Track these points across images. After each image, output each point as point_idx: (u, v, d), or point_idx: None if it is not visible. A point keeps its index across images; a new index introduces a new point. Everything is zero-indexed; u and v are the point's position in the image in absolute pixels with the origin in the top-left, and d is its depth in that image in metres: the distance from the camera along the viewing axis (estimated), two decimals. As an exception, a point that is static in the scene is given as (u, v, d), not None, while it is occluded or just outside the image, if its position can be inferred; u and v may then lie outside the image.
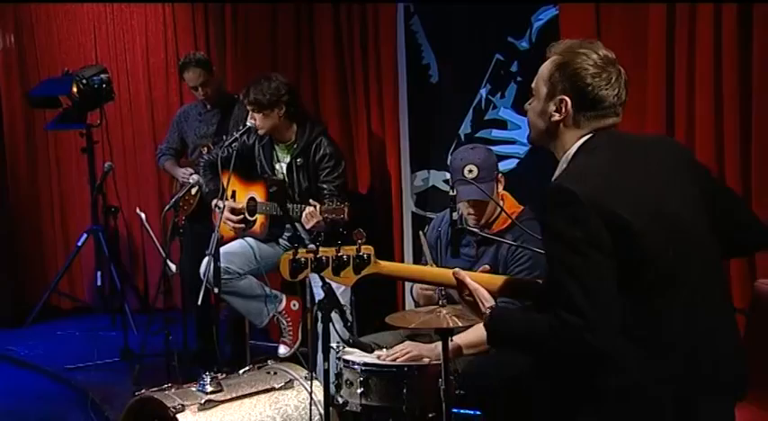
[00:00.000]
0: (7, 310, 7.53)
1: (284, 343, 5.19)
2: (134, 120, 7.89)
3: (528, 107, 2.68)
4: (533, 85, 2.64)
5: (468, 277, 2.70)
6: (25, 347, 6.81)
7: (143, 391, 3.67)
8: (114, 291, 7.45)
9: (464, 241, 4.02)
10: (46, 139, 7.99)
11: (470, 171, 3.79)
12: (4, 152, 7.70)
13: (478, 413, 3.71)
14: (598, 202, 2.30)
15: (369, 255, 2.85)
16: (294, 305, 5.19)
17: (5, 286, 7.58)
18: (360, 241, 2.84)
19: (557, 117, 2.54)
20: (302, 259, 2.80)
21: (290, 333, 5.17)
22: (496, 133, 5.21)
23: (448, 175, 5.35)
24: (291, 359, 5.07)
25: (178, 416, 3.41)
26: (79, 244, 7.38)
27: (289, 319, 5.17)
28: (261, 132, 5.02)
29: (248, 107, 4.95)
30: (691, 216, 2.44)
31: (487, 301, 2.62)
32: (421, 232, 4.33)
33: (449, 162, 4.00)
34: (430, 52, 5.38)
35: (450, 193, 3.64)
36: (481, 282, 2.70)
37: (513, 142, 5.16)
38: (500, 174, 3.94)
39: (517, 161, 5.04)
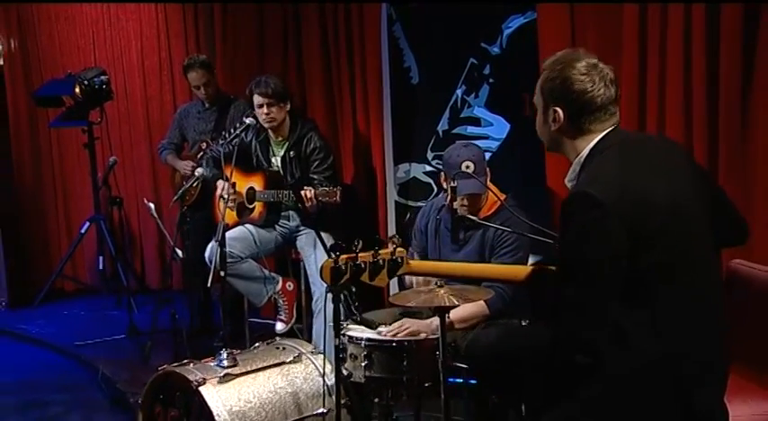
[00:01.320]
0: (16, 293, 7.43)
1: (281, 320, 5.16)
2: (131, 118, 7.85)
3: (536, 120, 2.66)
4: (534, 99, 2.62)
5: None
6: (35, 326, 6.76)
7: (165, 366, 3.63)
8: (115, 273, 7.42)
9: (451, 227, 4.03)
10: (49, 136, 7.91)
11: (468, 167, 3.79)
12: (10, 148, 7.61)
13: (472, 382, 3.73)
14: (618, 205, 2.27)
15: (402, 258, 2.85)
16: (289, 286, 5.17)
17: (14, 270, 7.49)
18: (395, 245, 2.83)
19: (554, 127, 2.52)
20: (342, 266, 2.79)
21: (287, 311, 5.15)
22: (471, 129, 5.21)
23: (428, 168, 5.39)
24: (288, 334, 5.07)
25: (200, 388, 3.39)
26: (83, 231, 7.33)
27: (285, 299, 5.15)
28: (273, 124, 4.99)
29: (265, 99, 4.91)
30: (695, 211, 2.43)
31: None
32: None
33: (444, 158, 3.96)
34: (411, 56, 5.38)
35: (452, 185, 3.63)
36: (506, 273, 2.70)
37: (486, 137, 5.15)
38: (487, 168, 3.95)
39: (490, 154, 5.02)
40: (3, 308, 7.38)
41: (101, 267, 7.49)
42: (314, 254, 5.01)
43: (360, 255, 2.80)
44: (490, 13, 5.07)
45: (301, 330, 5.23)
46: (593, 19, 4.27)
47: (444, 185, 4.01)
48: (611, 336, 2.31)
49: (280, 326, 5.16)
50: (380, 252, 2.83)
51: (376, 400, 3.67)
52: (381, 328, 3.74)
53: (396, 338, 3.65)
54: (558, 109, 2.49)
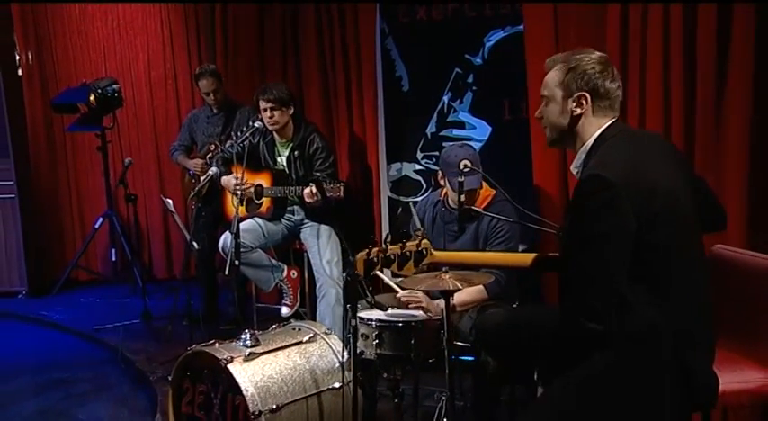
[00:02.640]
0: (34, 283, 7.33)
1: (286, 304, 5.16)
2: (138, 123, 7.80)
3: (543, 113, 2.64)
4: (544, 93, 2.62)
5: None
6: (56, 312, 6.67)
7: (194, 346, 3.60)
8: (126, 264, 7.35)
9: (447, 218, 4.04)
10: (63, 140, 7.80)
11: (465, 165, 3.79)
12: (28, 150, 7.47)
13: (471, 359, 3.74)
14: (627, 187, 2.29)
15: (427, 249, 2.84)
16: (293, 274, 5.16)
17: (33, 262, 7.38)
18: (420, 238, 2.82)
19: (578, 111, 2.53)
20: (374, 257, 2.79)
21: (291, 296, 5.14)
22: (456, 132, 5.23)
23: (418, 166, 5.41)
24: (294, 317, 5.06)
25: (228, 366, 3.36)
26: (96, 226, 7.26)
27: (289, 285, 5.14)
28: (276, 127, 4.96)
29: (269, 104, 4.88)
30: (686, 197, 2.46)
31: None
32: (411, 204, 4.31)
33: (442, 158, 3.96)
34: (402, 66, 5.38)
35: (459, 180, 3.64)
36: (514, 259, 2.70)
37: (470, 139, 5.17)
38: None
39: (473, 154, 5.06)
40: (23, 296, 7.26)
41: (113, 259, 7.43)
42: (317, 245, 4.99)
43: (390, 247, 2.79)
44: (473, 27, 5.10)
45: (305, 313, 5.20)
46: (576, 28, 4.23)
47: (441, 183, 4.02)
48: (617, 307, 2.32)
49: (285, 310, 5.15)
50: (408, 244, 2.82)
51: (384, 375, 3.65)
52: (392, 310, 3.74)
53: (404, 312, 3.66)
54: (586, 94, 2.51)
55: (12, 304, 7.07)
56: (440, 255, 2.88)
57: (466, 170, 3.78)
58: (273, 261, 5.14)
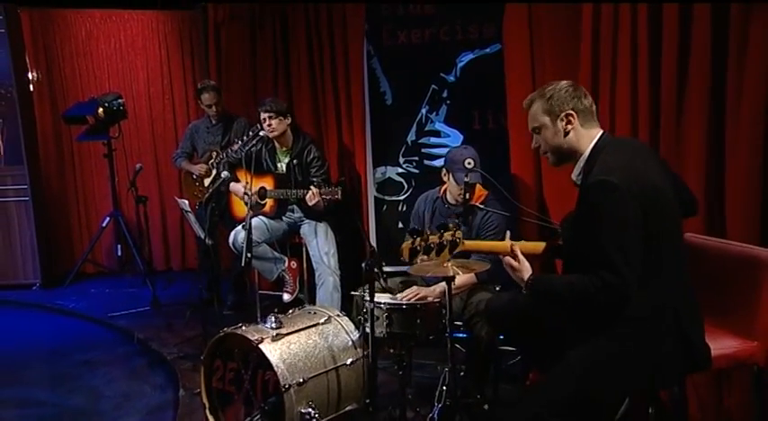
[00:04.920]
0: (47, 276, 7.08)
1: (287, 291, 5.07)
2: (139, 134, 7.59)
3: (538, 141, 2.63)
4: (534, 125, 2.61)
5: (519, 252, 2.64)
6: (70, 301, 6.44)
7: (225, 329, 3.50)
8: (130, 258, 7.17)
9: (446, 213, 4.02)
10: (71, 149, 7.53)
11: (469, 163, 3.76)
12: (38, 158, 7.23)
13: (465, 335, 3.73)
14: (630, 188, 2.30)
15: (459, 238, 2.80)
16: (293, 264, 5.07)
17: (45, 257, 7.14)
18: (455, 229, 2.79)
19: (570, 127, 2.53)
20: (417, 246, 2.76)
21: (291, 284, 5.05)
22: (433, 140, 5.22)
23: (400, 170, 5.37)
24: (294, 302, 4.99)
25: (260, 345, 3.28)
26: (104, 225, 7.05)
27: (290, 275, 5.05)
28: (275, 134, 4.87)
29: (267, 114, 4.81)
30: (671, 191, 2.47)
31: (529, 271, 2.60)
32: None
33: (448, 157, 3.91)
34: (386, 83, 5.33)
35: (465, 179, 3.62)
36: (528, 248, 2.69)
37: (444, 146, 5.16)
38: None
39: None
40: (37, 288, 7.00)
41: (119, 253, 7.23)
42: (315, 239, 4.92)
43: (430, 237, 2.76)
44: (446, 50, 5.09)
45: (305, 299, 5.12)
46: (551, 49, 4.19)
47: (444, 179, 3.99)
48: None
49: (286, 297, 5.06)
50: (445, 234, 2.78)
51: (391, 351, 3.62)
52: (400, 295, 3.71)
53: (410, 302, 3.62)
54: (571, 111, 2.51)
55: (28, 295, 6.82)
56: (469, 243, 2.86)
57: (470, 167, 3.77)
58: (276, 253, 5.05)
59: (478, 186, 3.90)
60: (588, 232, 2.35)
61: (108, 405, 4.24)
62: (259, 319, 3.59)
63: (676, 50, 3.41)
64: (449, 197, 3.98)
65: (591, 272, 2.31)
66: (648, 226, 2.32)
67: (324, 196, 4.51)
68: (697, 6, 3.30)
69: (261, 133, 4.82)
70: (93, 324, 5.87)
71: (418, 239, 2.76)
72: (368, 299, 3.53)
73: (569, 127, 2.54)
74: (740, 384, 3.18)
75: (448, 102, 5.14)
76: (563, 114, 2.53)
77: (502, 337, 3.57)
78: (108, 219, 7.02)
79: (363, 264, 3.24)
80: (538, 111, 2.58)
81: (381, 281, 3.68)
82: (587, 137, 2.54)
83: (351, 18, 5.28)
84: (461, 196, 3.78)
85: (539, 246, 2.73)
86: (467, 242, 2.82)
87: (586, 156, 2.53)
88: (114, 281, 7.12)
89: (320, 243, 4.87)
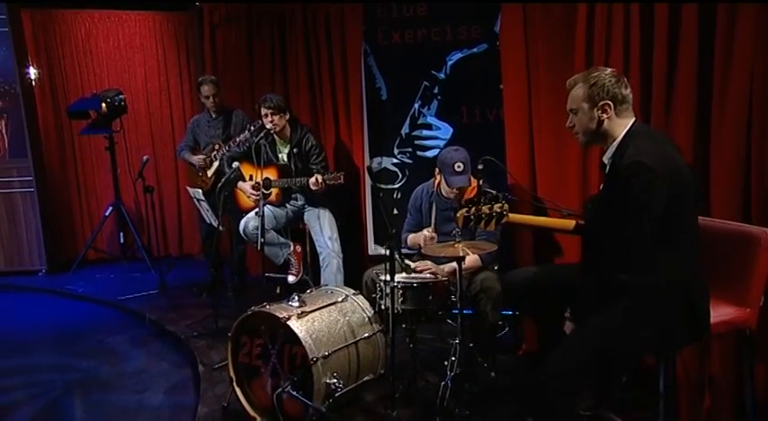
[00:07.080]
0: (52, 262, 6.97)
1: (292, 273, 5.05)
2: (137, 128, 7.48)
3: (573, 122, 2.65)
4: (572, 107, 2.64)
5: None
6: (79, 286, 6.35)
7: (253, 308, 3.49)
8: (131, 244, 7.07)
9: (442, 206, 4.06)
10: (72, 142, 7.38)
11: (458, 166, 3.81)
12: (41, 151, 7.08)
13: (470, 312, 3.77)
14: (662, 170, 2.35)
15: (506, 211, 2.83)
16: (298, 248, 5.07)
17: (50, 245, 7.01)
18: (503, 201, 2.81)
19: (605, 117, 2.56)
20: (471, 216, 2.79)
21: (296, 266, 5.05)
22: (425, 132, 5.22)
23: (394, 160, 5.38)
24: (299, 283, 4.99)
25: (288, 322, 3.29)
26: (107, 214, 6.95)
27: (295, 258, 5.04)
28: (277, 129, 4.85)
29: (269, 111, 4.79)
30: (690, 176, 2.53)
31: None
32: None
33: (439, 158, 3.94)
34: (381, 79, 5.32)
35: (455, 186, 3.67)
36: (562, 224, 2.74)
37: (435, 138, 5.18)
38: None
39: (438, 150, 5.05)
40: (43, 274, 6.88)
41: (121, 241, 7.13)
42: (319, 225, 4.92)
43: (483, 207, 2.79)
44: (437, 49, 5.10)
45: (309, 280, 5.12)
46: (545, 45, 4.15)
47: (438, 177, 4.05)
48: (645, 263, 2.40)
49: (291, 279, 5.05)
50: (495, 206, 2.81)
51: (403, 326, 3.65)
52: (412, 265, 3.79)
53: (422, 276, 3.68)
54: (609, 102, 2.54)
55: (35, 280, 6.71)
56: (514, 216, 2.87)
57: (459, 170, 3.81)
58: (282, 239, 5.04)
59: (473, 181, 3.93)
60: (615, 209, 2.41)
61: (131, 381, 4.22)
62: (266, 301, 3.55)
63: (666, 50, 3.46)
64: (443, 191, 4.02)
65: (613, 266, 2.40)
66: (671, 206, 2.38)
67: (328, 181, 4.54)
68: (685, 6, 3.35)
69: (267, 126, 4.79)
70: (106, 307, 5.79)
71: (473, 208, 2.78)
72: (383, 278, 3.58)
73: (604, 116, 2.56)
74: (720, 352, 3.28)
75: (439, 97, 5.15)
76: (601, 103, 2.55)
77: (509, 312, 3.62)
78: (110, 208, 6.92)
79: (384, 247, 3.25)
80: (579, 95, 2.59)
81: (401, 259, 3.71)
82: (621, 125, 2.57)
83: (349, 19, 5.26)
84: (453, 194, 3.83)
85: (569, 223, 2.80)
86: (512, 215, 2.85)
87: (619, 140, 2.56)
88: (117, 266, 7.03)
89: (323, 228, 4.87)
